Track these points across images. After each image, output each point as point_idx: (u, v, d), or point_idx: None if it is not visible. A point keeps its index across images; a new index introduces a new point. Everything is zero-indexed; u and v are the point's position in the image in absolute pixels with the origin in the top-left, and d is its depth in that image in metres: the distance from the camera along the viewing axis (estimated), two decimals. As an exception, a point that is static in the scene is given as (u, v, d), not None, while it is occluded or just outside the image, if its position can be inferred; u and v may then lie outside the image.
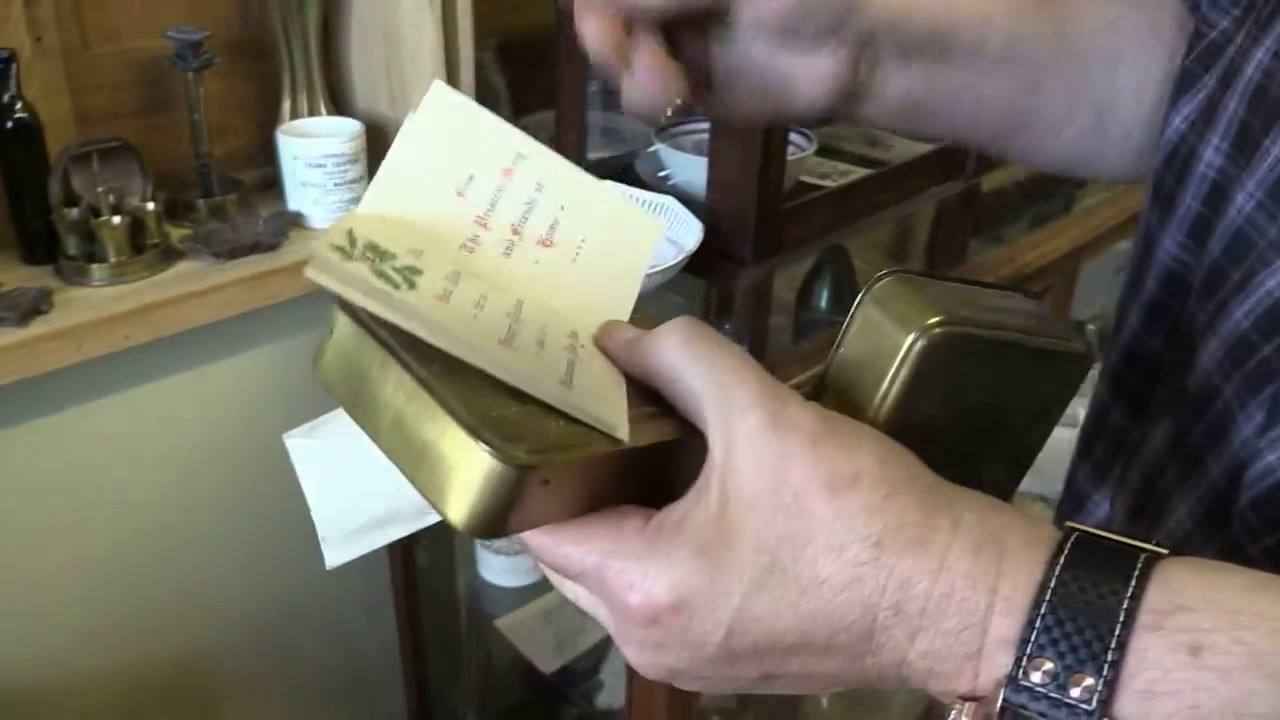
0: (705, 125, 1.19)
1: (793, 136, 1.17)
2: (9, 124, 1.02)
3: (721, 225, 1.08)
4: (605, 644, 1.37)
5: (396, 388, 0.35)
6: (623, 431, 0.36)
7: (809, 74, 0.50)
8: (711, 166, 1.09)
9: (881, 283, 0.41)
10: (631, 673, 1.07)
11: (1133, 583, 0.30)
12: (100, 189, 1.07)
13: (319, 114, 1.22)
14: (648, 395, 0.39)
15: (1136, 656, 0.29)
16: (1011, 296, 0.44)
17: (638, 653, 0.36)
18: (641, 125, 1.41)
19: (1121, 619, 0.30)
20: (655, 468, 0.38)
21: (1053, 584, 0.31)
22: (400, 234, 0.39)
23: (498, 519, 0.33)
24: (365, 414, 0.36)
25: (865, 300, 0.41)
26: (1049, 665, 0.30)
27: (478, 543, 1.38)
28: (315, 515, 0.53)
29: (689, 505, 0.35)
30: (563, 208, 0.44)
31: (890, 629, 0.32)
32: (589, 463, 0.35)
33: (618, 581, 0.34)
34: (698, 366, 0.36)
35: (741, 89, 0.50)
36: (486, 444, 0.32)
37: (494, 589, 1.37)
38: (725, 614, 0.33)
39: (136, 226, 1.07)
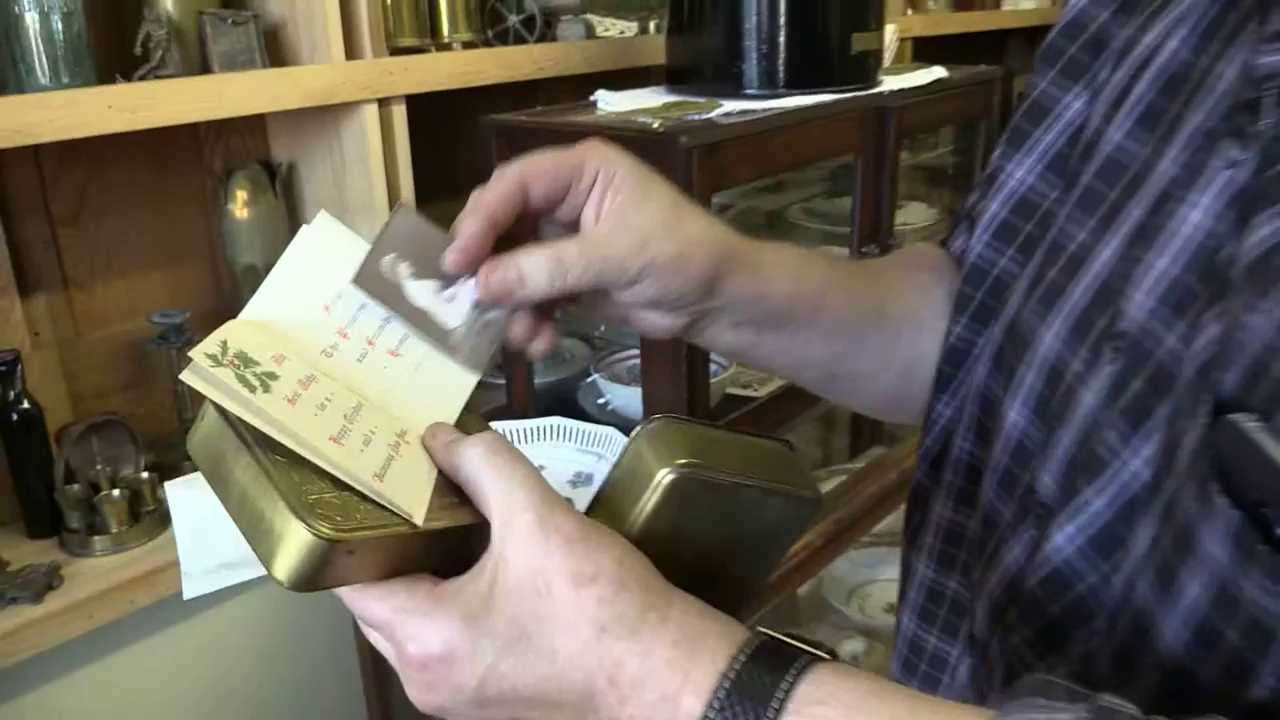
0: (638, 353, 1.34)
1: (714, 357, 1.32)
2: (14, 416, 1.13)
3: (660, 446, 1.22)
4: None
5: (245, 470, 0.43)
6: (418, 518, 0.44)
7: (658, 321, 0.59)
8: (644, 394, 1.24)
9: (653, 424, 0.50)
10: None
11: (788, 678, 0.39)
12: (99, 465, 1.18)
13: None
14: (457, 487, 0.47)
15: None
16: (768, 444, 0.54)
17: (415, 690, 0.45)
18: (580, 346, 1.57)
19: (774, 705, 0.39)
20: (453, 545, 0.46)
21: (732, 674, 0.40)
22: (269, 341, 0.48)
23: (311, 578, 0.42)
24: (220, 486, 0.44)
25: (638, 436, 0.50)
26: None
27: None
28: (181, 552, 0.61)
29: (466, 580, 0.44)
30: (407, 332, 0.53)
31: (606, 695, 0.42)
32: (387, 540, 0.44)
33: (403, 633, 0.43)
34: (493, 473, 0.45)
35: (600, 316, 0.60)
36: (304, 521, 0.40)
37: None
38: (480, 668, 0.42)
39: (133, 496, 1.18)
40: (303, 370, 0.48)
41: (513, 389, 1.39)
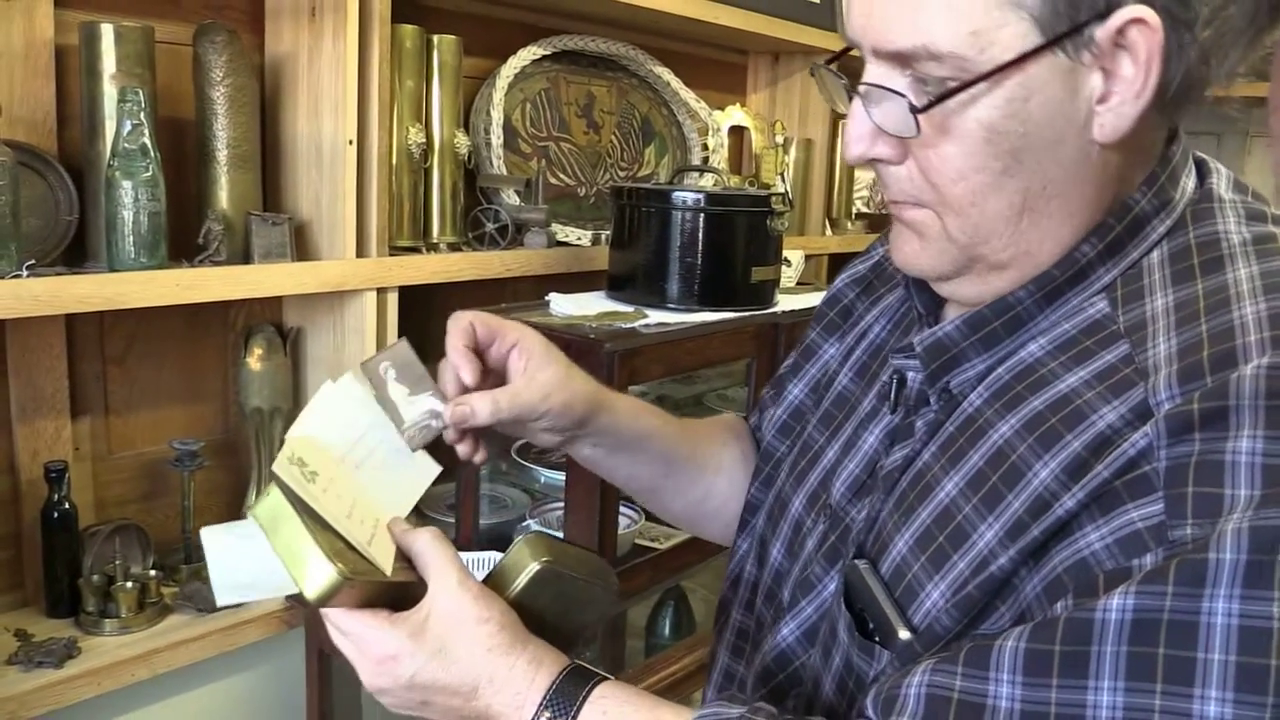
0: (564, 504, 1.64)
1: (624, 510, 1.62)
2: (56, 514, 1.40)
3: (574, 581, 1.51)
4: None
5: (294, 528, 0.69)
6: (388, 572, 0.72)
7: (547, 438, 0.88)
8: (566, 538, 1.54)
9: (530, 535, 0.77)
10: None
11: (589, 686, 0.68)
12: (116, 561, 1.45)
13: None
14: (407, 558, 0.75)
15: (585, 713, 0.67)
16: (593, 555, 0.82)
17: (368, 678, 0.71)
18: (520, 496, 1.87)
19: (579, 701, 0.67)
20: (400, 593, 0.72)
21: (555, 684, 0.68)
22: (310, 454, 0.75)
23: (326, 599, 0.67)
24: (276, 538, 0.70)
25: (519, 541, 0.77)
26: (547, 714, 0.67)
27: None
28: (211, 573, 0.88)
29: (411, 613, 0.70)
30: (386, 454, 0.82)
31: (486, 689, 0.69)
32: (372, 583, 0.70)
33: (369, 638, 0.70)
34: (435, 551, 0.72)
35: (512, 434, 0.88)
36: (334, 564, 0.67)
37: None
38: (415, 666, 0.69)
39: (142, 589, 1.44)
40: (328, 473, 0.76)
41: (460, 528, 1.69)
